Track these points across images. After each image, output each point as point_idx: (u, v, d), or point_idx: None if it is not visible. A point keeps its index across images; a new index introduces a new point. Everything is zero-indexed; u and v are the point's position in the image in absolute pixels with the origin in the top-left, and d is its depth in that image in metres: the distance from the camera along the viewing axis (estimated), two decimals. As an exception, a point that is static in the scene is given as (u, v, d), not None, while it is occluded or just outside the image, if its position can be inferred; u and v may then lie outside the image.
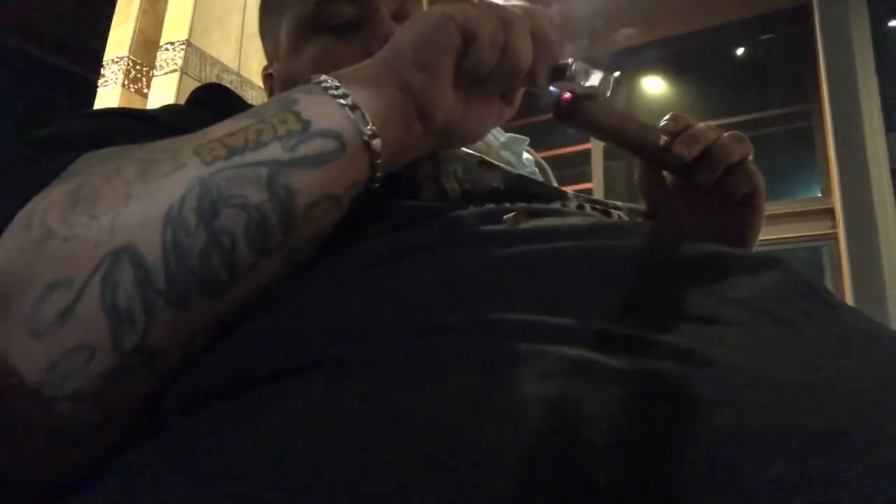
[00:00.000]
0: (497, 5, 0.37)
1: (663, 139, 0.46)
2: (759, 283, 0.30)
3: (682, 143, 0.46)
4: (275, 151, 0.31)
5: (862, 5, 2.43)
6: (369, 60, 0.38)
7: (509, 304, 0.27)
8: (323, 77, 0.35)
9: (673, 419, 0.21)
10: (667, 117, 0.48)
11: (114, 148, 0.33)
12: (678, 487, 0.19)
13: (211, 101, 0.50)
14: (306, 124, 0.32)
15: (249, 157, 0.31)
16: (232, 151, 0.31)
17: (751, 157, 0.49)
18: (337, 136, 0.33)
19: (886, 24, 2.63)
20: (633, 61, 3.17)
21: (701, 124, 0.48)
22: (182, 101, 0.55)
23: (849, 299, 2.13)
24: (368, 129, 0.34)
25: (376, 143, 0.34)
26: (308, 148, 0.32)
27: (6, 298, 0.27)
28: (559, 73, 0.40)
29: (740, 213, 0.51)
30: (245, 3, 1.65)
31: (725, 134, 0.48)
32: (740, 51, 3.11)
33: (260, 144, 0.31)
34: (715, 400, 0.21)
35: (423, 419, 0.22)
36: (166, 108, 0.50)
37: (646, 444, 0.20)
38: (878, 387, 0.23)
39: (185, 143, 0.32)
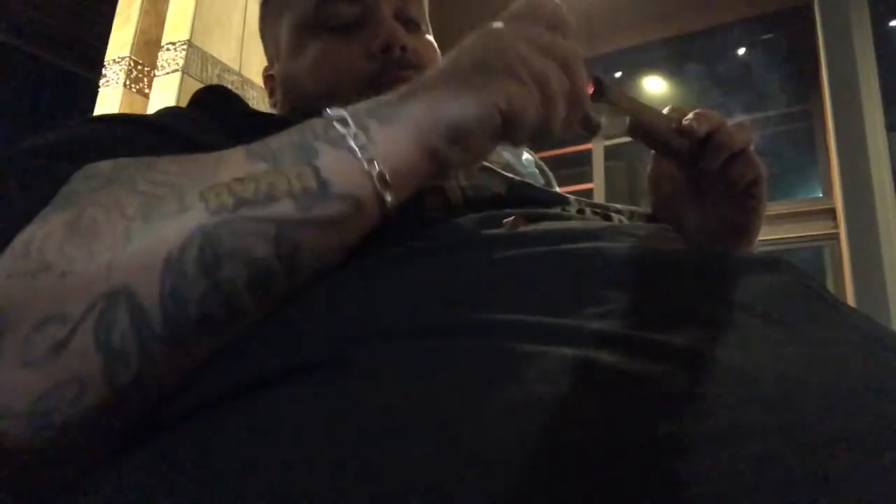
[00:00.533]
0: (539, 64, 0.35)
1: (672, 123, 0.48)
2: (759, 285, 0.30)
3: (693, 119, 0.47)
4: (286, 208, 0.30)
5: (863, 5, 2.43)
6: (399, 109, 0.34)
7: (509, 306, 0.27)
8: (351, 128, 0.32)
9: (673, 420, 0.21)
10: (667, 108, 0.49)
11: (114, 163, 0.33)
12: (679, 488, 0.19)
13: (212, 103, 0.50)
14: (324, 184, 0.31)
15: (259, 210, 0.29)
16: (240, 201, 0.29)
17: (752, 147, 0.50)
18: (355, 202, 0.31)
19: (887, 23, 2.63)
20: (633, 61, 3.17)
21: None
22: (183, 102, 0.54)
23: (850, 299, 2.12)
24: (389, 196, 0.32)
25: (393, 202, 0.33)
26: (322, 209, 0.31)
27: (0, 327, 0.27)
28: (586, 125, 0.41)
29: (744, 203, 0.51)
30: (246, 3, 1.65)
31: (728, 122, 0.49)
32: (740, 51, 3.11)
33: (271, 198, 0.30)
34: (715, 401, 0.21)
35: (422, 420, 0.22)
36: (168, 112, 0.49)
37: (646, 445, 0.20)
38: (879, 388, 0.23)
39: (192, 182, 0.30)
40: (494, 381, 0.23)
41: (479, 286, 0.30)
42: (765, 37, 3.05)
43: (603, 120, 0.41)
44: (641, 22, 2.92)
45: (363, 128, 0.33)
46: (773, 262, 0.33)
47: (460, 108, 0.33)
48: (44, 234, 0.28)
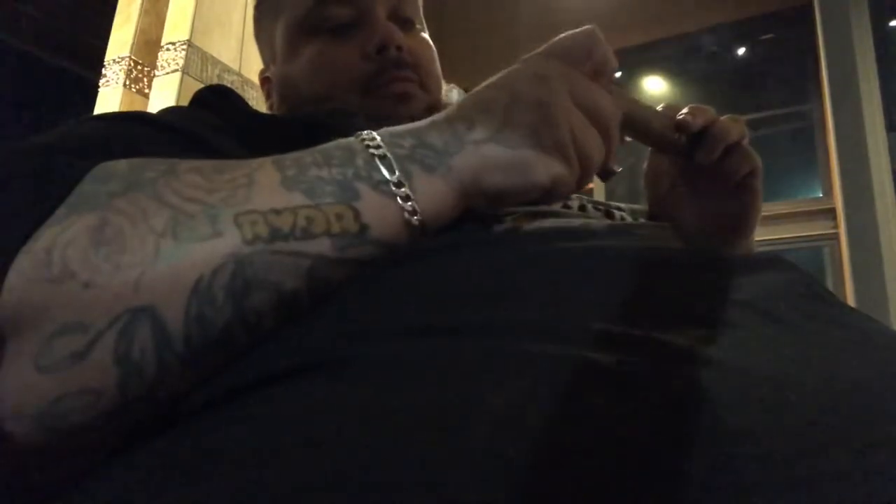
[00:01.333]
0: (586, 141, 0.35)
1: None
2: (760, 284, 0.30)
3: (688, 113, 0.47)
4: (323, 246, 0.30)
5: (863, 5, 2.43)
6: (444, 159, 0.34)
7: (510, 305, 0.27)
8: (395, 173, 0.32)
9: (674, 420, 0.21)
10: (660, 105, 0.49)
11: (130, 164, 0.32)
12: (679, 488, 0.19)
13: (214, 103, 0.50)
14: (364, 229, 0.31)
15: (294, 245, 0.29)
16: (275, 234, 0.29)
17: (746, 140, 0.50)
18: (392, 248, 0.32)
19: (887, 23, 2.63)
20: (633, 61, 3.17)
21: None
22: (183, 102, 0.55)
23: (850, 299, 2.12)
24: (422, 238, 0.33)
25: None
26: (359, 252, 0.31)
27: (17, 329, 0.27)
28: (605, 174, 0.42)
29: (741, 197, 0.52)
30: (246, 3, 1.65)
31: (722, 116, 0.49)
32: (740, 51, 3.11)
33: (308, 234, 0.30)
34: (716, 401, 0.21)
35: (422, 420, 0.22)
36: (172, 111, 0.49)
37: (646, 445, 0.20)
38: (880, 388, 0.23)
39: (224, 203, 0.30)
40: (496, 381, 0.23)
41: (481, 285, 0.30)
42: (765, 37, 3.05)
43: (616, 167, 0.41)
44: (641, 22, 2.92)
45: (406, 174, 0.32)
46: (773, 260, 0.33)
47: (506, 178, 0.34)
48: (66, 240, 0.28)
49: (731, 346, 0.25)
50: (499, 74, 0.38)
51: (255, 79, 1.61)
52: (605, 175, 0.42)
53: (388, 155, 0.33)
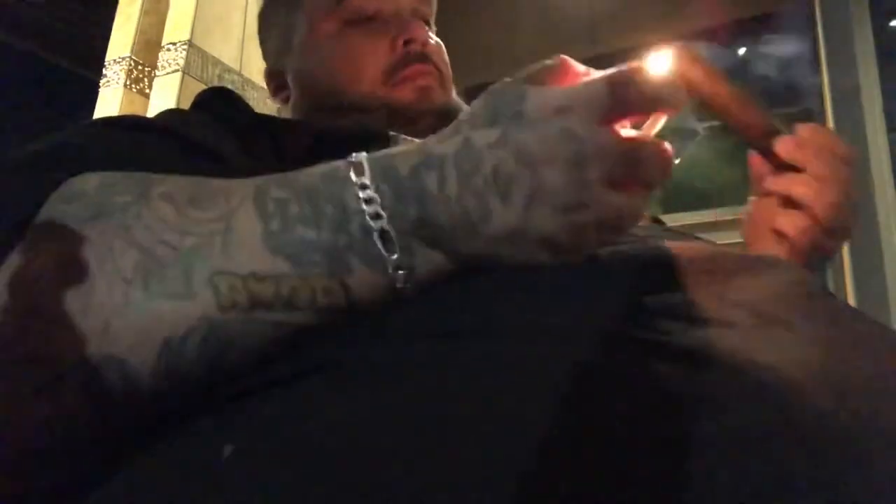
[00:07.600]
0: (603, 240, 0.31)
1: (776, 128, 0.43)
2: (761, 284, 0.30)
3: (793, 143, 0.42)
4: (306, 318, 0.29)
5: (863, 5, 2.43)
6: (451, 236, 0.29)
7: (511, 306, 0.27)
8: (394, 245, 0.29)
9: (674, 420, 0.21)
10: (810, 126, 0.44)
11: (101, 181, 0.31)
12: (679, 488, 0.19)
13: (216, 106, 0.50)
14: (352, 304, 0.29)
15: (275, 316, 0.28)
16: (256, 302, 0.28)
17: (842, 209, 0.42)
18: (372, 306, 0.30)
19: (888, 23, 2.63)
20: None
21: (839, 150, 0.43)
22: (184, 102, 0.55)
23: (850, 299, 2.12)
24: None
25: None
26: (340, 315, 0.29)
27: None
28: None
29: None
30: (246, 3, 1.65)
31: (846, 194, 0.42)
32: (741, 51, 3.11)
33: (291, 306, 0.28)
34: (716, 401, 0.21)
35: (422, 423, 0.22)
36: (172, 115, 0.49)
37: (647, 444, 0.20)
38: (880, 389, 0.23)
39: (198, 257, 0.28)
40: (495, 382, 0.23)
41: (481, 287, 0.30)
42: (765, 37, 3.05)
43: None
44: (642, 22, 2.92)
45: (407, 250, 0.29)
46: (775, 261, 0.33)
47: (511, 261, 0.30)
48: (34, 271, 0.28)
49: (732, 346, 0.25)
50: (515, 112, 0.29)
51: (256, 79, 1.61)
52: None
53: (387, 226, 0.29)
